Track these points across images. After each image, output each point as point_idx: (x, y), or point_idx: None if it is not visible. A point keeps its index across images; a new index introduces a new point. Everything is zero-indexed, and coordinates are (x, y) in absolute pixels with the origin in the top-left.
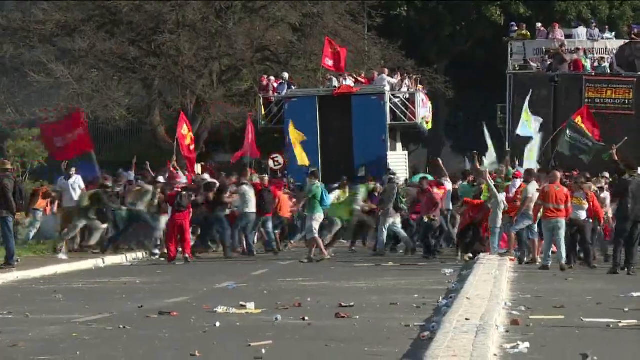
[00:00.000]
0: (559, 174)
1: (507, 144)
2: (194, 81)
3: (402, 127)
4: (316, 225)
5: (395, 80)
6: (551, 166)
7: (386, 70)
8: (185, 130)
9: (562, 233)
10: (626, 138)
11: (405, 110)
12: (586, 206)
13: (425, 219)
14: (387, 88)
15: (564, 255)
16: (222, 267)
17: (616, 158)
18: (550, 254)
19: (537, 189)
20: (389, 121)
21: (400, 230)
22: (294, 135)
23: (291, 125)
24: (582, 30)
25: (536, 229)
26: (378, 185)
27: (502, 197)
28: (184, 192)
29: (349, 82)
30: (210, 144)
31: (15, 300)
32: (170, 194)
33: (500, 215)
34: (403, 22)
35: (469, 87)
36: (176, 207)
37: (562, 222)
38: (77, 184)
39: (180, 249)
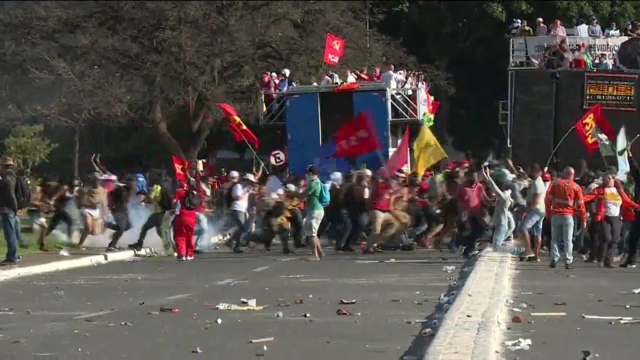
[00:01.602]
0: (572, 170)
1: (508, 140)
2: (195, 78)
3: (403, 124)
4: (315, 224)
5: (401, 76)
6: (553, 163)
7: (392, 67)
8: (234, 119)
9: (570, 231)
10: (639, 135)
11: (407, 107)
12: (620, 202)
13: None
14: (394, 85)
15: (569, 255)
16: (224, 264)
17: (631, 154)
18: (557, 250)
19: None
20: (390, 117)
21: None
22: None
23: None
24: (583, 27)
25: (540, 226)
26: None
27: (507, 194)
28: (194, 192)
29: (351, 78)
30: (211, 141)
31: (17, 297)
32: (179, 192)
33: (506, 212)
34: (405, 19)
35: (470, 84)
36: (187, 204)
37: (570, 219)
38: None
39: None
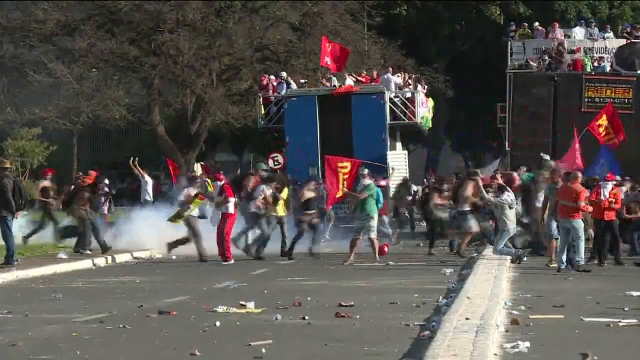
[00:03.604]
0: (579, 174)
1: (506, 144)
2: (193, 80)
3: (401, 127)
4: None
5: (399, 79)
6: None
7: (390, 69)
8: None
9: (580, 233)
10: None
11: (405, 110)
12: None
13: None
14: (393, 88)
15: (582, 256)
16: (222, 267)
17: None
18: (564, 255)
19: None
20: (388, 120)
21: None
22: None
23: None
24: (579, 30)
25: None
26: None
27: (504, 197)
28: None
29: (349, 81)
30: (209, 143)
31: (15, 300)
32: (230, 190)
33: (510, 216)
34: (403, 22)
35: (468, 87)
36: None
37: (577, 222)
38: None
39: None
